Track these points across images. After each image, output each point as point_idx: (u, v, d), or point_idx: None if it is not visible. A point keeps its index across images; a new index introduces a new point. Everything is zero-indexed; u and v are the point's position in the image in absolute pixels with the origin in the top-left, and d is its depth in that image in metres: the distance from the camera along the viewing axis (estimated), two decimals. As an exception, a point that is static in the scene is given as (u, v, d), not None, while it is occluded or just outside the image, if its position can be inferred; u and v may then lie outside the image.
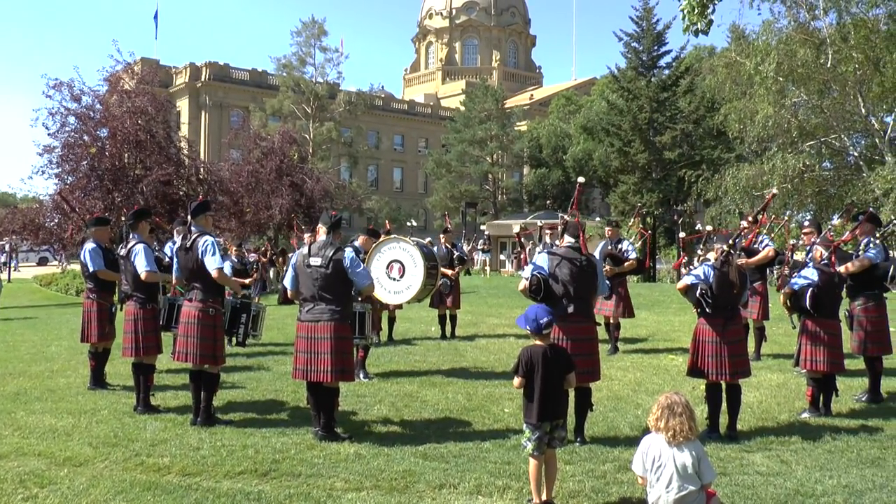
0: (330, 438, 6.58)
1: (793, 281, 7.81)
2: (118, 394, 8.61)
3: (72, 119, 27.51)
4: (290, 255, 9.37)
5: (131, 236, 8.47)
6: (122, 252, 8.43)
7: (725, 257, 6.86)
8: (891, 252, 9.02)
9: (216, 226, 8.49)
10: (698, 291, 6.85)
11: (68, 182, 26.99)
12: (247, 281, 12.56)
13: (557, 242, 7.07)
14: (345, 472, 5.76)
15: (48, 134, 27.28)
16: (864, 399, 8.29)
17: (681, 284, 7.16)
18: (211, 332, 7.26)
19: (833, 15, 25.61)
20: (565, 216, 7.13)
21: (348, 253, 6.88)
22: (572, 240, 6.77)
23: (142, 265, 8.06)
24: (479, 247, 31.55)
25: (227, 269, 7.49)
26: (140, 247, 8.18)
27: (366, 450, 6.32)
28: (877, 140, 27.18)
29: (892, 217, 16.75)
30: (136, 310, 8.14)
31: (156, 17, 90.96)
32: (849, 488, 5.44)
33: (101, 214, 12.15)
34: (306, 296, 6.87)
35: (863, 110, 26.36)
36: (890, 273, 8.52)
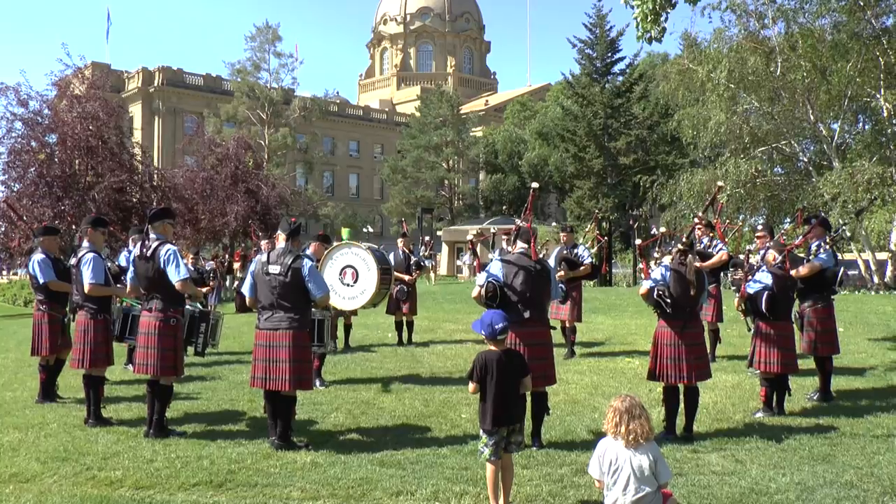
0: (286, 447, 6.50)
1: (747, 285, 7.95)
2: (68, 407, 8.40)
3: (18, 124, 27.00)
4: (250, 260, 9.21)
5: (83, 244, 8.22)
6: (74, 261, 8.19)
7: (682, 257, 6.93)
8: (839, 256, 9.24)
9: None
10: (655, 293, 6.91)
11: (15, 189, 26.42)
12: (205, 289, 12.37)
13: (510, 248, 7.08)
14: (301, 480, 5.69)
15: (-8, 140, 26.69)
16: (815, 398, 8.46)
17: (642, 290, 7.22)
18: (172, 342, 7.11)
19: (781, 24, 26.11)
20: (519, 222, 7.14)
21: (307, 262, 6.81)
22: (525, 245, 6.79)
23: (87, 277, 7.78)
24: (422, 252, 31.20)
25: None
26: (90, 256, 7.90)
27: (322, 458, 6.26)
28: (825, 146, 27.78)
29: (841, 221, 17.13)
30: (87, 321, 7.88)
31: (108, 19, 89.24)
32: (801, 485, 5.54)
33: (49, 223, 11.88)
34: (265, 304, 6.79)
35: (811, 117, 26.92)
36: (838, 277, 8.76)
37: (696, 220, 9.03)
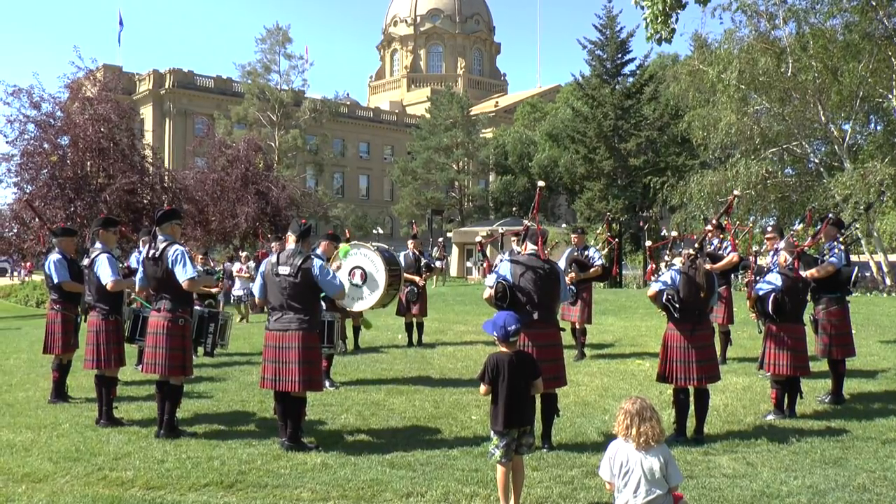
0: (296, 448, 6.51)
1: (758, 286, 7.92)
2: (80, 407, 8.44)
3: (31, 127, 27.17)
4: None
5: (95, 245, 8.27)
6: (86, 262, 8.24)
7: (692, 261, 6.91)
8: (852, 257, 9.17)
9: (182, 234, 8.28)
10: (664, 297, 6.89)
11: (28, 191, 26.58)
12: (214, 290, 12.41)
13: (520, 249, 7.07)
14: (311, 482, 5.70)
15: (6, 142, 26.94)
16: (827, 401, 8.41)
17: (650, 292, 7.20)
18: (180, 342, 7.13)
19: (792, 25, 26.05)
20: (527, 222, 7.14)
21: (317, 262, 6.83)
22: (534, 247, 6.79)
23: (106, 274, 7.85)
24: (434, 254, 30.99)
25: None
26: (103, 256, 7.96)
27: (332, 459, 6.27)
28: (836, 147, 27.67)
29: (852, 219, 17.06)
30: (99, 321, 7.94)
31: (120, 22, 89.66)
32: (813, 488, 5.51)
33: (64, 224, 11.95)
34: (274, 305, 6.81)
35: (822, 118, 26.82)
36: (852, 277, 8.70)
37: (709, 227, 9.01)
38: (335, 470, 5.98)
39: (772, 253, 8.62)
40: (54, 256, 8.75)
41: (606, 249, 12.63)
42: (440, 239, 37.33)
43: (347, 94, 79.65)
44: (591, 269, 11.28)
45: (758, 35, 26.32)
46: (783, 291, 7.67)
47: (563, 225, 45.32)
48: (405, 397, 8.80)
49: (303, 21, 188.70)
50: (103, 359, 7.80)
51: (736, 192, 8.70)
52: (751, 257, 9.35)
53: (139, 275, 7.48)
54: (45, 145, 27.03)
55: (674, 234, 8.05)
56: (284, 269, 6.74)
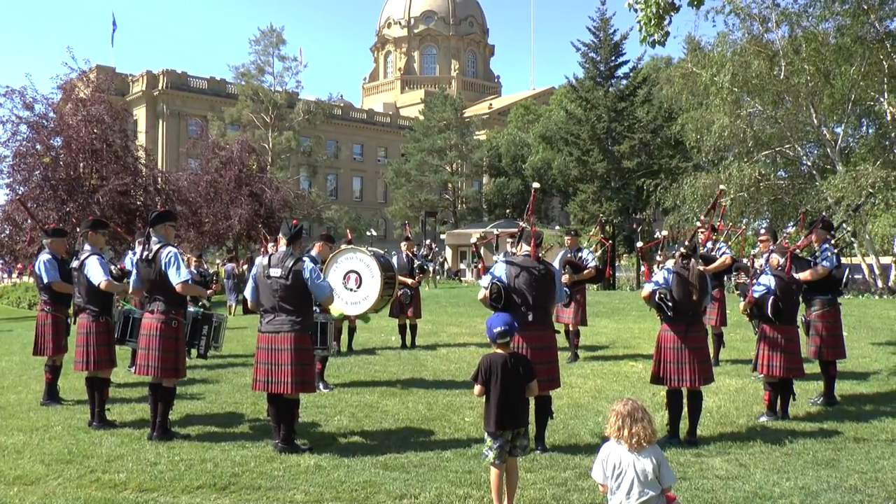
0: (290, 450, 6.51)
1: (753, 289, 7.94)
2: (72, 409, 8.41)
3: (23, 128, 27.04)
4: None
5: (84, 247, 8.26)
6: (75, 264, 8.23)
7: (684, 260, 6.92)
8: (843, 259, 9.22)
9: (175, 235, 8.23)
10: (657, 296, 6.90)
11: (20, 192, 26.45)
12: (208, 292, 12.39)
13: (515, 251, 7.08)
14: (305, 484, 5.70)
15: (-2, 143, 26.74)
16: (819, 402, 8.45)
17: (644, 293, 7.22)
18: (173, 344, 7.13)
19: (785, 28, 26.12)
20: (522, 223, 7.15)
21: (308, 264, 6.82)
22: (528, 248, 6.79)
23: (99, 275, 7.83)
24: (423, 253, 30.64)
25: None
26: (93, 258, 7.95)
27: (326, 461, 6.27)
28: (828, 150, 27.75)
29: (843, 219, 17.13)
30: (89, 323, 7.92)
31: (113, 23, 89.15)
32: (805, 489, 5.53)
33: (56, 226, 11.90)
34: (266, 307, 6.80)
35: (815, 121, 26.89)
36: (843, 279, 8.74)
37: (699, 224, 9.04)
38: (328, 472, 5.98)
39: (765, 255, 8.66)
40: (44, 257, 8.75)
41: (600, 251, 12.65)
42: (427, 241, 37.15)
43: (341, 96, 79.59)
44: (585, 271, 11.29)
45: (751, 38, 26.37)
46: (777, 293, 7.70)
47: (557, 227, 45.34)
48: (398, 399, 8.80)
49: (297, 23, 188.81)
50: (94, 360, 7.78)
51: (722, 187, 8.72)
52: (745, 260, 9.37)
53: (133, 277, 7.48)
54: (38, 146, 26.91)
55: (664, 233, 8.07)
56: (276, 272, 6.74)
